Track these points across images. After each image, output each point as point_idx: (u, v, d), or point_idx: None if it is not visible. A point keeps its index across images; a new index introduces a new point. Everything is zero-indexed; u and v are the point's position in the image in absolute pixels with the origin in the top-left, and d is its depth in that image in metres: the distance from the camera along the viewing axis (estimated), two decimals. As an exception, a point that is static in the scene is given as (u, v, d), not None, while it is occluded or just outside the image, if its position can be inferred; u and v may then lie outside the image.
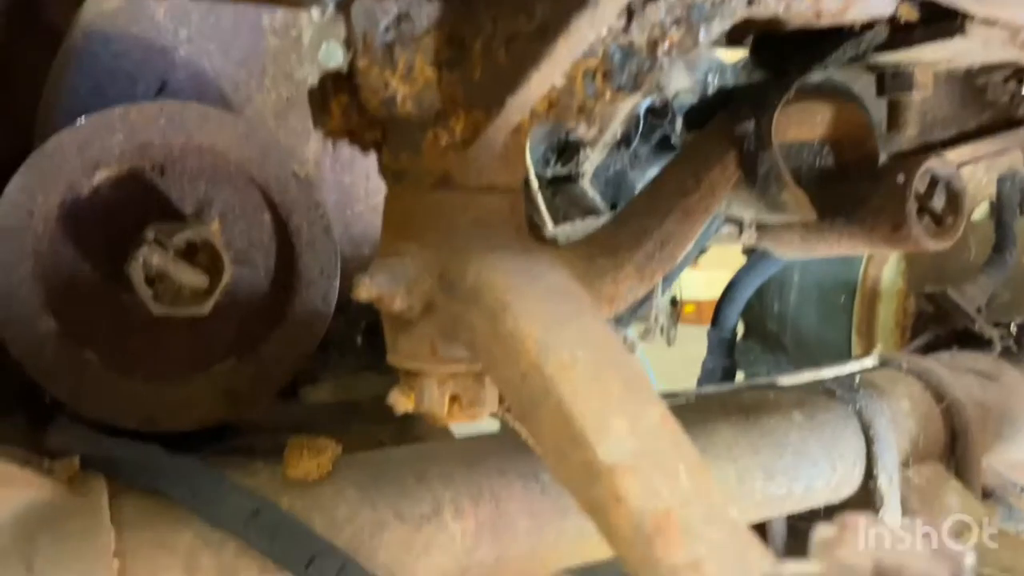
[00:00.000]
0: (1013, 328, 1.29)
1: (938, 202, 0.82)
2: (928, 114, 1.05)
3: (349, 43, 0.55)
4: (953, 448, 1.17)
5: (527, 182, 1.42)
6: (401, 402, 0.63)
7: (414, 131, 0.60)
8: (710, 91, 1.01)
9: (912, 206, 0.79)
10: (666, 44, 0.66)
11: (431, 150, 0.60)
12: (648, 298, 0.79)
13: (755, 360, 2.06)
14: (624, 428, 0.45)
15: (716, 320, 1.34)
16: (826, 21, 0.80)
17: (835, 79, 0.89)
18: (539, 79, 0.53)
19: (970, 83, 0.98)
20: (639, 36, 0.65)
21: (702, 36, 0.66)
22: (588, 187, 1.43)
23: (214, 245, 0.96)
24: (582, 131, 1.46)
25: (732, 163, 0.77)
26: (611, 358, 0.49)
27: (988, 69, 0.96)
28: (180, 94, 1.07)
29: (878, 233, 0.81)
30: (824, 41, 0.81)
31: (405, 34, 0.56)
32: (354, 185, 1.21)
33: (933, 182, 0.82)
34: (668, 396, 1.15)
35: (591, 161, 1.43)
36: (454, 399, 0.63)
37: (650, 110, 1.42)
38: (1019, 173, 1.34)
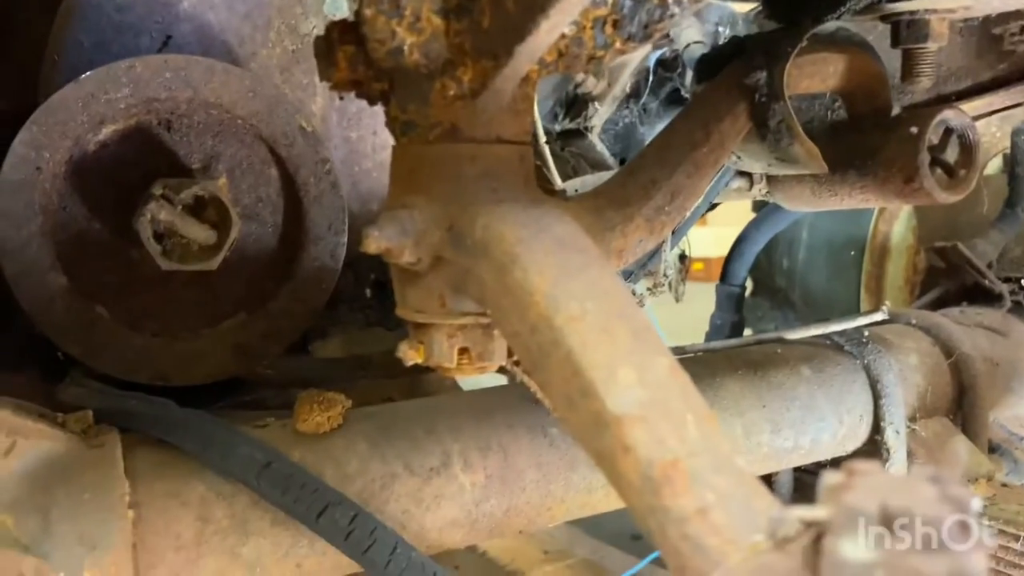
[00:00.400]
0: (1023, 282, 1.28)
1: (951, 154, 0.81)
2: (943, 65, 1.03)
3: (353, -7, 0.55)
4: (961, 403, 1.17)
5: (535, 136, 1.41)
6: (410, 355, 0.63)
7: (421, 82, 0.60)
8: (721, 42, 0.99)
9: (925, 158, 0.78)
10: (676, -9, 0.65)
11: (439, 101, 0.60)
12: (657, 252, 0.78)
13: (763, 317, 2.06)
14: (632, 378, 0.45)
15: (724, 275, 1.33)
16: (837, -30, 0.79)
17: (849, 29, 0.87)
18: (548, 27, 0.52)
19: (986, 33, 0.97)
20: (649, -17, 0.64)
21: (713, -16, 0.65)
22: (597, 141, 1.42)
23: (222, 200, 0.96)
24: (591, 84, 1.45)
25: (743, 115, 0.76)
26: (620, 310, 0.49)
27: (1004, 18, 0.95)
28: (185, 48, 1.06)
29: (890, 185, 0.80)
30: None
31: (415, -19, 0.55)
32: (361, 141, 1.20)
33: (947, 134, 0.81)
34: (676, 350, 1.16)
35: (600, 115, 1.42)
36: (463, 352, 0.63)
37: (660, 62, 1.40)
38: (1033, 126, 1.32)
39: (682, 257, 1.54)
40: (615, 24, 0.64)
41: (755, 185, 0.97)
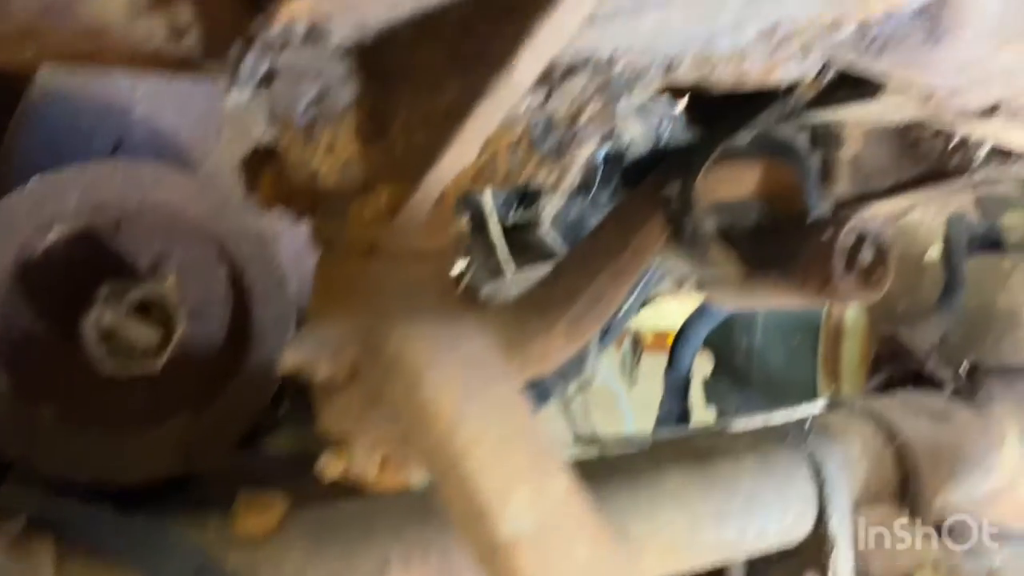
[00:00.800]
0: (964, 368, 1.31)
1: (866, 256, 0.84)
2: (868, 164, 1.08)
3: (271, 121, 0.57)
4: (906, 489, 1.19)
5: (487, 229, 1.45)
6: (331, 467, 0.64)
7: (340, 202, 0.62)
8: (664, 138, 1.03)
9: (839, 262, 0.81)
10: (585, 116, 0.68)
11: (357, 220, 0.62)
12: (585, 353, 0.80)
13: (725, 397, 2.08)
14: (526, 502, 0.46)
15: (671, 362, 1.35)
16: (751, 85, 0.83)
17: (771, 135, 0.91)
18: (452, 157, 0.55)
19: (905, 137, 1.01)
20: (559, 109, 0.67)
21: (621, 107, 0.68)
22: (549, 232, 1.45)
23: (167, 302, 0.97)
24: (542, 177, 1.49)
25: (660, 224, 0.79)
26: (520, 430, 0.51)
27: (919, 124, 0.99)
28: (137, 151, 1.09)
29: (809, 288, 0.83)
30: (753, 101, 0.84)
31: (326, 111, 0.58)
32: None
33: (861, 237, 0.84)
34: (623, 442, 1.17)
35: (552, 206, 1.46)
36: (383, 464, 0.64)
37: (607, 157, 1.45)
38: (966, 215, 1.37)
39: (635, 341, 1.56)
40: (528, 146, 0.67)
41: (685, 284, 1.00)
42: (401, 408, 0.56)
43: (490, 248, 1.42)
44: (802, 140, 0.89)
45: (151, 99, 1.11)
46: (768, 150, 0.88)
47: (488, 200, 1.38)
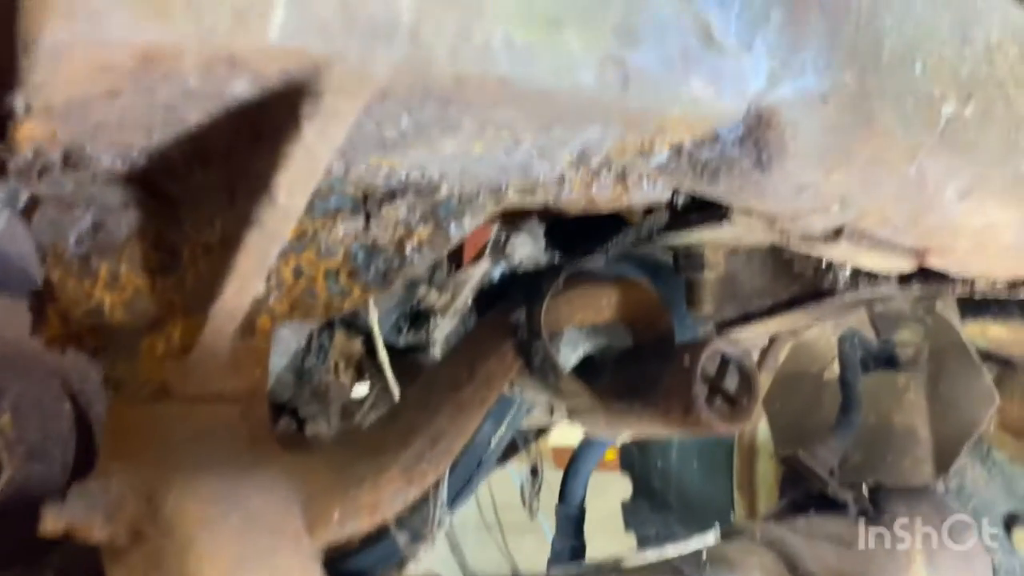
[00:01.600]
0: (866, 490, 1.27)
1: (731, 383, 0.81)
2: (746, 285, 1.06)
3: (38, 251, 0.52)
4: (807, 621, 1.12)
5: (375, 352, 1.39)
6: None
7: (129, 339, 0.57)
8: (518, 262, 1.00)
9: (700, 389, 0.77)
10: (414, 241, 0.64)
11: (148, 358, 0.56)
12: (429, 499, 0.74)
13: (644, 520, 2.01)
14: None
15: (562, 496, 1.28)
16: (603, 209, 0.81)
17: (635, 256, 0.89)
18: (234, 289, 0.50)
19: (778, 257, 1.00)
20: (382, 235, 0.63)
21: (453, 232, 0.65)
22: (439, 354, 1.40)
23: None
24: (433, 298, 1.45)
25: (510, 352, 0.74)
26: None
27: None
28: (-18, 280, 1.02)
29: (672, 416, 0.79)
30: (609, 225, 0.82)
31: (103, 243, 0.53)
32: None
33: (724, 362, 0.81)
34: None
35: (442, 329, 1.41)
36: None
37: (504, 277, 1.42)
38: (859, 332, 1.36)
39: (533, 471, 1.50)
40: (350, 274, 0.63)
41: (555, 412, 0.95)
42: (173, 577, 0.48)
43: (379, 373, 1.36)
44: (665, 262, 0.87)
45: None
46: (629, 272, 0.85)
47: (375, 322, 1.33)
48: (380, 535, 0.86)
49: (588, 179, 0.61)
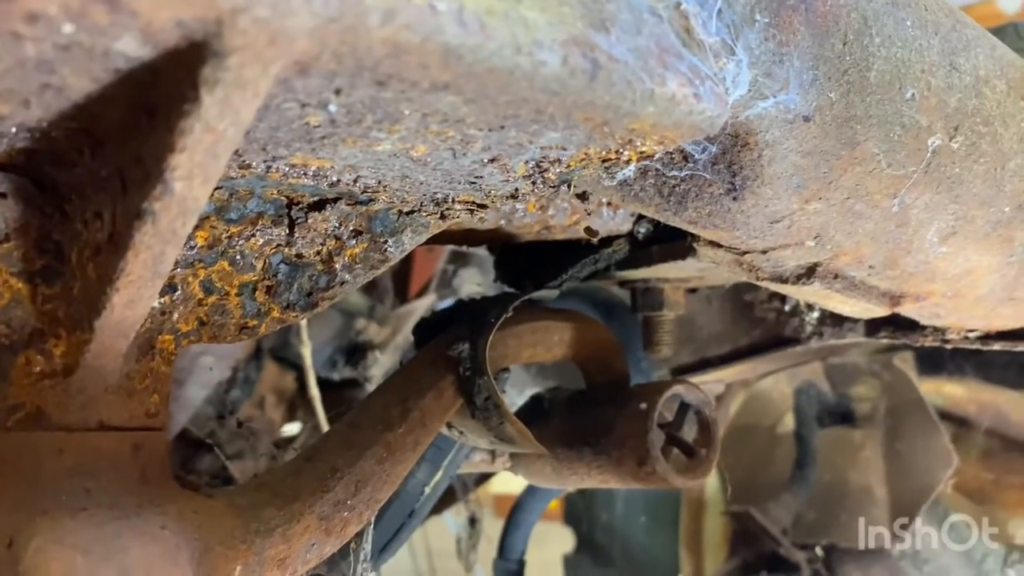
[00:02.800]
0: (819, 551, 1.21)
1: (689, 432, 0.75)
2: (704, 330, 1.01)
3: None
4: None
5: (305, 387, 1.30)
6: None
7: (4, 356, 0.48)
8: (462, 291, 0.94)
9: (656, 437, 0.71)
10: (345, 258, 0.57)
11: (21, 378, 0.48)
12: (350, 553, 0.66)
13: (586, 576, 1.92)
14: None
15: (501, 550, 1.20)
16: (559, 235, 0.75)
17: (591, 292, 0.83)
18: (123, 299, 0.42)
19: (738, 300, 0.95)
20: (308, 248, 0.56)
21: (391, 250, 0.58)
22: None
23: None
24: (373, 332, 1.37)
25: (449, 389, 0.67)
26: None
27: (752, 288, 0.94)
28: None
29: (625, 467, 0.72)
30: (564, 256, 0.76)
31: (-28, 239, 0.45)
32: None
33: (683, 410, 0.75)
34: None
35: (381, 364, 1.33)
36: None
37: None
38: (815, 385, 1.32)
39: (472, 521, 1.41)
40: (269, 291, 0.55)
41: (498, 458, 0.88)
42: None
43: (310, 410, 1.27)
44: (622, 299, 0.81)
45: None
46: (583, 308, 0.79)
47: (307, 354, 1.24)
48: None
49: (544, 197, 0.55)
